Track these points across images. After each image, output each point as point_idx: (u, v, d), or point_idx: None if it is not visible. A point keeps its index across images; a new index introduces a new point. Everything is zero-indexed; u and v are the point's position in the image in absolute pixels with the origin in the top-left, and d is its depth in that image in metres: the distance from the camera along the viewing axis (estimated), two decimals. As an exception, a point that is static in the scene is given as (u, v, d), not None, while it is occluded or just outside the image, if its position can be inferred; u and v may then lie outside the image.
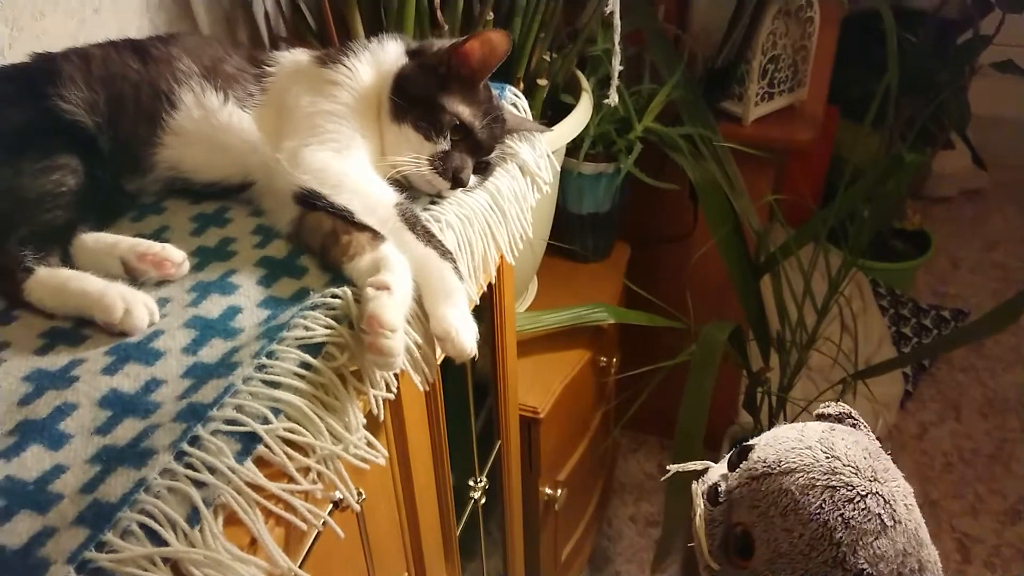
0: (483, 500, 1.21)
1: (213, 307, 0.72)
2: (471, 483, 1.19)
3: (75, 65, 0.83)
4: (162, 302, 0.73)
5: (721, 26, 1.75)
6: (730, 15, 1.72)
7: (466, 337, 0.74)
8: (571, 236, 1.76)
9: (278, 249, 0.80)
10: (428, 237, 0.78)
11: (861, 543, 0.76)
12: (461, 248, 0.85)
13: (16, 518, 0.55)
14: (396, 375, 0.74)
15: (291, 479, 0.62)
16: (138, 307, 0.70)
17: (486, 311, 1.09)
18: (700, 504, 0.89)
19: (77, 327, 0.71)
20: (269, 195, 0.84)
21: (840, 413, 0.89)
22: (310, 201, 0.79)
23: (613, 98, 1.45)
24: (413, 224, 0.78)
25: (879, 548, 0.76)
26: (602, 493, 2.05)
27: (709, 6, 1.82)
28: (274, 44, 1.40)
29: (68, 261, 0.76)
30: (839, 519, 0.76)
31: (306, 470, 0.63)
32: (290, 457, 0.62)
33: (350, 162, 0.81)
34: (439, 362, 0.81)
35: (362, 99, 0.85)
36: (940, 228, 3.08)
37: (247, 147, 0.84)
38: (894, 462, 0.83)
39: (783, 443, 0.84)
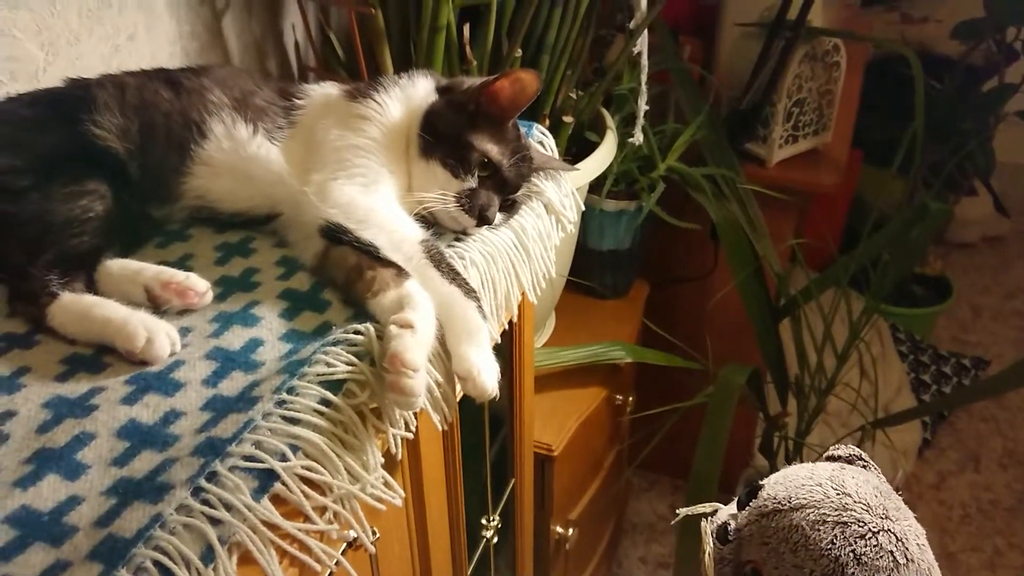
0: (495, 539, 1.20)
1: (235, 339, 0.72)
2: (484, 522, 1.17)
3: (109, 92, 0.84)
4: (184, 332, 0.73)
5: (747, 68, 1.76)
6: (756, 57, 1.72)
7: (488, 378, 0.73)
8: (590, 273, 1.76)
9: (301, 282, 0.80)
10: (453, 275, 0.77)
11: None
12: (484, 286, 0.84)
13: (30, 550, 0.54)
14: (415, 414, 0.73)
15: (307, 518, 0.61)
16: (160, 336, 0.69)
17: (505, 348, 1.08)
18: (709, 543, 0.88)
19: (98, 354, 0.71)
20: (294, 227, 0.84)
21: (851, 455, 0.89)
22: (335, 235, 0.79)
23: (638, 137, 1.46)
24: (438, 261, 0.77)
25: None
26: (613, 533, 2.02)
27: (735, 47, 1.82)
28: (303, 75, 1.41)
29: (92, 287, 0.76)
30: (851, 555, 0.75)
31: (322, 509, 0.62)
32: (307, 496, 0.61)
33: (377, 197, 0.81)
34: (458, 400, 0.81)
35: (391, 134, 0.86)
36: (961, 275, 3.05)
37: (274, 179, 0.84)
38: (911, 511, 0.82)
39: (793, 481, 0.83)
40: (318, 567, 0.61)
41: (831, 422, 2.14)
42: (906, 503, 0.83)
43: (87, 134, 0.81)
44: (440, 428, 0.76)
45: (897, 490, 0.84)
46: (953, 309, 2.86)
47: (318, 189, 0.80)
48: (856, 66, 2.11)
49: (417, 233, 0.80)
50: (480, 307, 0.77)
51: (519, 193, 0.90)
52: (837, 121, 1.87)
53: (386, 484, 0.68)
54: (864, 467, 0.86)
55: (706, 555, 0.88)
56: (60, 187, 0.77)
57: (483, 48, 1.25)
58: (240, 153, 0.84)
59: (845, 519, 0.77)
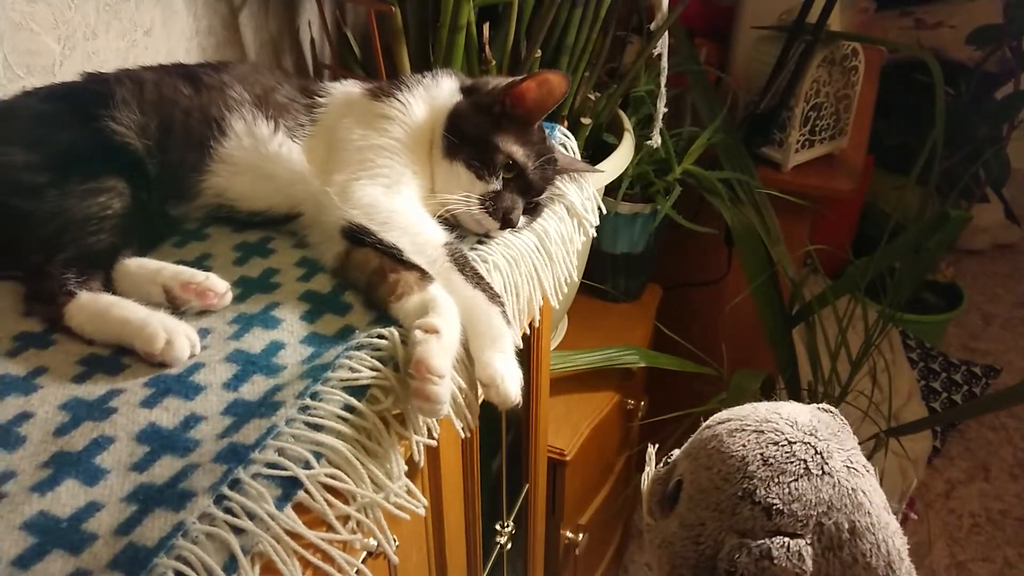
0: (508, 546, 1.18)
1: (255, 341, 0.71)
2: (497, 527, 1.16)
3: (128, 88, 0.82)
4: (203, 333, 0.71)
5: (764, 71, 1.74)
6: (774, 61, 1.71)
7: (511, 385, 0.71)
8: (603, 276, 1.74)
9: (322, 283, 0.78)
10: (477, 279, 0.76)
11: (776, 480, 0.74)
12: (507, 290, 0.83)
13: (48, 558, 0.52)
14: (438, 420, 0.72)
15: (330, 527, 0.59)
16: (179, 338, 0.68)
17: (522, 352, 1.07)
18: (651, 467, 0.90)
19: (116, 355, 0.69)
20: (315, 228, 0.82)
21: (822, 408, 0.87)
22: (358, 236, 0.77)
23: (656, 140, 1.44)
24: (462, 265, 0.76)
25: (796, 489, 0.73)
26: (621, 538, 2.01)
27: (753, 51, 1.81)
28: (318, 72, 1.40)
29: (110, 286, 0.74)
30: (758, 456, 0.75)
31: (345, 518, 0.61)
32: (330, 504, 0.60)
33: (400, 199, 0.79)
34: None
35: (414, 134, 0.84)
36: (972, 282, 3.03)
37: (295, 178, 0.82)
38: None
39: (738, 408, 0.84)
40: (340, 577, 0.60)
41: (842, 429, 2.12)
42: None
43: (105, 130, 0.80)
44: (463, 435, 0.75)
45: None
46: (963, 317, 2.84)
47: (340, 189, 0.79)
48: (872, 71, 2.09)
49: (440, 236, 0.78)
50: (504, 312, 0.75)
51: (543, 196, 0.88)
52: (853, 126, 1.86)
53: (409, 492, 0.66)
54: (831, 416, 0.84)
55: (645, 476, 0.89)
56: (78, 184, 0.75)
57: (502, 48, 1.24)
58: (261, 151, 0.82)
59: (763, 428, 0.77)
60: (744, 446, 0.76)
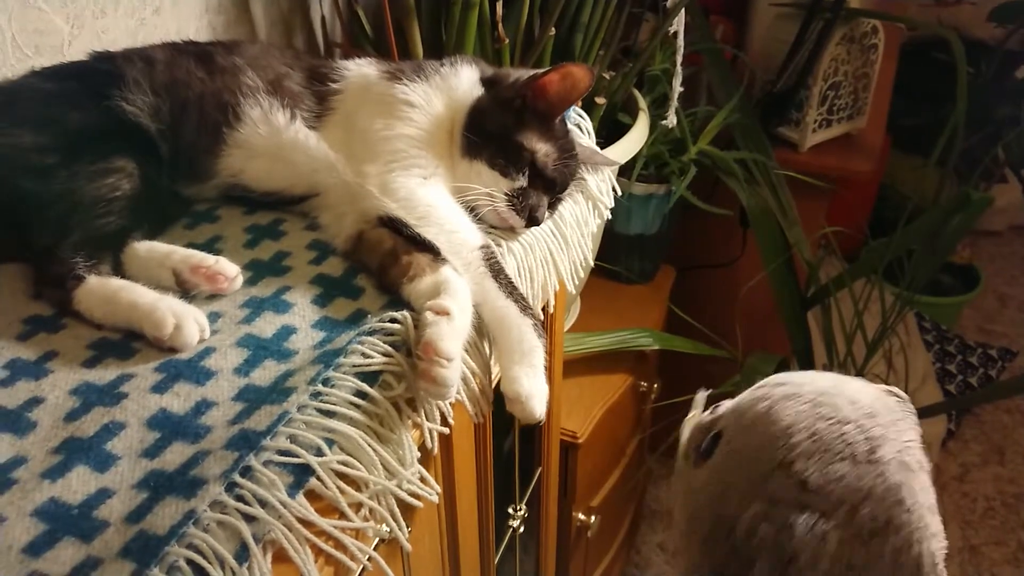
0: (521, 529, 1.18)
1: (267, 326, 0.70)
2: (510, 511, 1.15)
3: (139, 68, 0.81)
4: (213, 317, 0.71)
5: (781, 49, 1.71)
6: (792, 39, 1.68)
7: (536, 404, 0.71)
8: (616, 257, 1.72)
9: (334, 267, 0.77)
10: (511, 289, 0.74)
11: (818, 457, 0.68)
12: (521, 275, 0.81)
13: (59, 545, 0.52)
14: (451, 406, 0.71)
15: (342, 515, 0.59)
16: (188, 322, 0.67)
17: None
18: (696, 412, 0.86)
19: (126, 339, 0.69)
20: (327, 210, 0.81)
21: (889, 391, 0.80)
22: (394, 226, 0.76)
23: (671, 119, 1.42)
24: (497, 272, 0.74)
25: (836, 470, 0.68)
26: (632, 520, 2.00)
27: (770, 29, 1.78)
28: (329, 50, 1.38)
29: (119, 269, 0.73)
30: (805, 429, 0.70)
31: (357, 505, 0.60)
32: (342, 491, 0.59)
33: (435, 192, 0.78)
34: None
35: (434, 125, 0.82)
36: (988, 264, 3.00)
37: (316, 165, 0.81)
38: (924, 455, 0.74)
39: (800, 373, 0.78)
40: (352, 565, 0.59)
41: (856, 412, 2.11)
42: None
43: (116, 111, 0.78)
44: (476, 421, 0.74)
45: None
46: (979, 299, 2.81)
47: (378, 182, 0.77)
48: (891, 50, 2.05)
49: (477, 238, 0.76)
50: (536, 325, 0.74)
51: (566, 192, 0.86)
52: (871, 106, 1.83)
53: (422, 479, 0.66)
54: (898, 401, 0.78)
55: (688, 420, 0.85)
56: (87, 165, 0.74)
57: (516, 26, 1.22)
58: (277, 140, 0.81)
59: (820, 401, 0.71)
60: (794, 417, 0.71)
